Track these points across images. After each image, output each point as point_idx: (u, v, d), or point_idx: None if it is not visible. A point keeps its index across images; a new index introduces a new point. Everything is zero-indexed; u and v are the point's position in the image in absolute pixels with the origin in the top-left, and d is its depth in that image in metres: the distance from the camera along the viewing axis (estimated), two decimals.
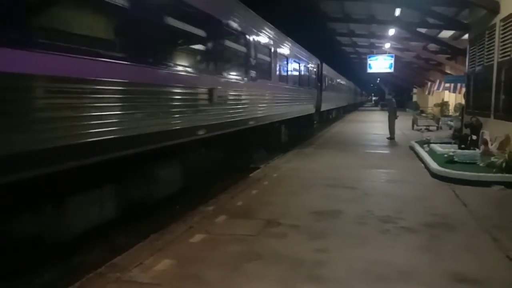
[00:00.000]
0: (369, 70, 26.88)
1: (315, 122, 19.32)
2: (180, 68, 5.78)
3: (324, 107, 20.65)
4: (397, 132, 15.37)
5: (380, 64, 26.01)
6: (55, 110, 3.53)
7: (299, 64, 14.39)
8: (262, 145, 11.21)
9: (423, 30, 18.38)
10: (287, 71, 12.64)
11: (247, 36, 8.68)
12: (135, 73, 4.59)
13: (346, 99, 36.26)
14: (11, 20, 3.13)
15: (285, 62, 12.38)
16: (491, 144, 9.03)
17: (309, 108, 16.76)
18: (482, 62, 11.33)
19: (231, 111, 7.65)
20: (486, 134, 9.62)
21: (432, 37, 19.13)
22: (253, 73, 9.04)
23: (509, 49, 9.13)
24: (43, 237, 4.03)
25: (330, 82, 23.96)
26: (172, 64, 5.54)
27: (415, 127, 19.02)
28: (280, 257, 3.94)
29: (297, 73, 14.23)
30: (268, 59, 10.41)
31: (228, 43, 7.66)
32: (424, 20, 16.80)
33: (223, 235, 4.59)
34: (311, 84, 17.12)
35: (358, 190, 6.82)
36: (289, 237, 4.52)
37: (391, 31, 19.15)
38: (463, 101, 15.41)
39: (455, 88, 21.42)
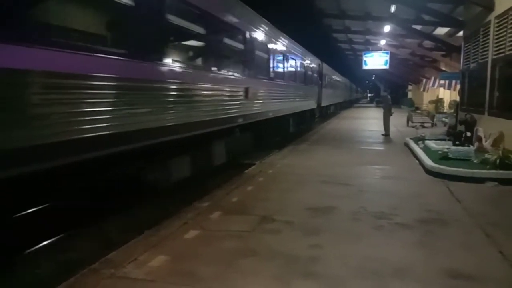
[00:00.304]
0: (364, 67, 26.93)
1: (316, 116, 21.38)
2: (234, 73, 8.28)
3: (324, 103, 22.78)
4: (392, 128, 15.41)
5: (376, 60, 26.05)
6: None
7: (304, 65, 16.74)
8: (276, 133, 13.31)
9: (418, 27, 18.41)
10: (296, 72, 14.93)
11: (271, 47, 11.20)
12: (220, 81, 7.50)
13: (342, 95, 37.48)
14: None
15: (295, 64, 14.74)
16: (485, 141, 9.08)
17: (312, 103, 19.19)
18: (476, 59, 11.37)
19: (258, 105, 9.96)
20: (480, 131, 9.66)
21: (427, 34, 19.19)
22: (272, 74, 11.39)
23: (503, 46, 9.17)
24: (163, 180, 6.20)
25: (329, 80, 25.97)
26: (229, 72, 7.98)
27: (410, 123, 19.08)
28: (275, 253, 3.94)
29: (303, 73, 16.53)
30: (282, 62, 12.73)
31: (259, 53, 10.14)
32: (419, 17, 16.82)
33: (218, 231, 4.58)
34: (313, 82, 19.38)
35: (352, 186, 6.83)
36: (284, 233, 4.52)
37: (387, 28, 19.17)
38: (457, 98, 15.47)
39: (450, 85, 21.51)
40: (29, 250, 4.33)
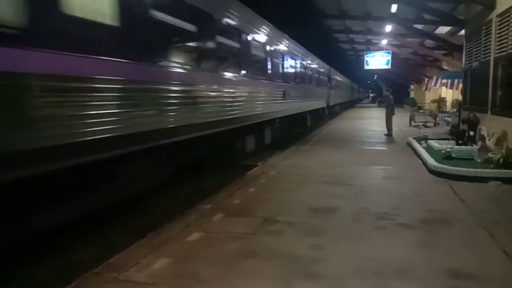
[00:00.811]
0: (366, 67, 26.87)
1: (326, 113, 25.74)
2: (278, 80, 12.29)
3: (331, 102, 27.22)
4: (395, 128, 15.38)
5: (377, 60, 26.00)
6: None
7: (319, 71, 21.48)
8: (299, 125, 17.44)
9: (419, 26, 18.37)
10: (313, 77, 19.52)
11: (298, 60, 15.69)
12: (274, 87, 11.85)
13: (345, 96, 39.42)
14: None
15: (312, 71, 19.34)
16: (489, 140, 9.03)
17: (323, 103, 23.33)
18: (478, 58, 11.33)
19: (290, 103, 13.76)
20: (484, 130, 9.63)
21: (429, 33, 19.14)
22: (297, 80, 15.52)
23: (505, 44, 9.13)
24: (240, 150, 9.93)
25: (335, 82, 29.93)
26: (277, 79, 12.17)
27: (413, 123, 19.03)
28: (277, 254, 3.94)
29: (318, 78, 21.07)
30: (305, 70, 17.33)
31: (292, 64, 14.61)
32: (421, 16, 16.79)
33: (220, 233, 4.59)
34: (324, 84, 23.65)
35: (355, 187, 6.82)
36: (286, 235, 4.52)
37: (388, 28, 19.13)
38: (460, 97, 15.43)
39: (452, 84, 21.44)
40: (30, 253, 4.34)
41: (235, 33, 8.49)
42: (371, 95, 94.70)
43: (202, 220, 5.03)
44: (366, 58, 26.40)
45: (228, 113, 8.00)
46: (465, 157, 8.37)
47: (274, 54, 11.77)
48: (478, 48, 11.32)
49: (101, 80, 4.27)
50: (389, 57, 25.41)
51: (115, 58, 4.48)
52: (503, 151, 7.56)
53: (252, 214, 5.29)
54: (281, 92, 12.42)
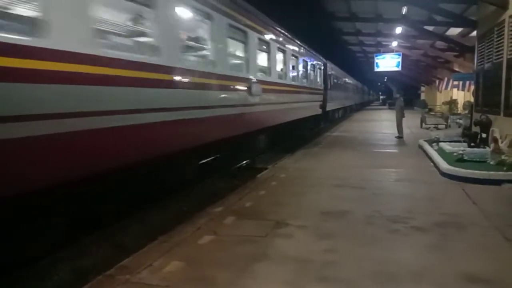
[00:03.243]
0: (376, 69, 26.78)
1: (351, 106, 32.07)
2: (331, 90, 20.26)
3: (347, 104, 31.96)
4: (406, 131, 15.25)
5: (387, 62, 25.88)
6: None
7: (347, 81, 29.09)
8: (317, 123, 19.93)
9: (430, 28, 18.23)
10: (347, 87, 28.06)
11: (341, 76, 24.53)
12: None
13: (353, 98, 38.25)
14: None
15: (347, 84, 26.54)
16: (501, 142, 8.90)
17: (351, 102, 32.63)
18: (491, 59, 11.19)
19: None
20: (496, 132, 9.49)
21: (440, 34, 18.98)
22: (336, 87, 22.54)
23: None
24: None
25: (350, 87, 34.60)
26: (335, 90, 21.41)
27: (424, 125, 18.87)
28: (289, 258, 3.93)
29: (351, 88, 30.94)
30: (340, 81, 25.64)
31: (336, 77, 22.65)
32: (431, 18, 16.67)
33: (231, 236, 4.59)
34: (353, 91, 34.41)
35: (366, 190, 6.77)
36: (298, 238, 4.51)
37: (398, 29, 19.03)
38: (472, 99, 15.25)
39: (463, 85, 21.22)
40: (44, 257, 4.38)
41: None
42: (381, 97, 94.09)
43: (213, 223, 5.04)
44: (376, 60, 26.31)
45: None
46: (478, 160, 8.26)
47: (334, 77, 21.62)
48: (491, 49, 11.19)
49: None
50: (400, 59, 25.27)
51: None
52: None
53: (263, 217, 5.28)
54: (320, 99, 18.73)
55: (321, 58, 19.52)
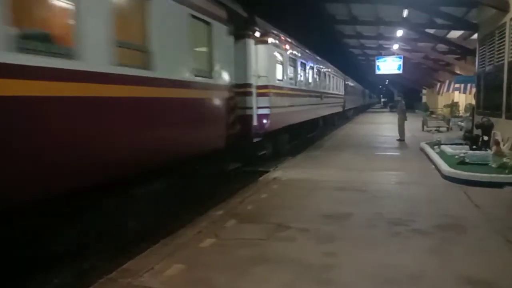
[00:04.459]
0: (377, 72, 26.77)
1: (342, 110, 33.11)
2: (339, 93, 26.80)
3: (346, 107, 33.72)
4: (407, 133, 15.24)
5: (389, 65, 25.89)
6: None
7: (353, 86, 34.26)
8: (333, 122, 24.49)
9: (431, 31, 18.23)
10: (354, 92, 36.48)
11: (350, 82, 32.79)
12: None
13: (356, 101, 42.77)
14: None
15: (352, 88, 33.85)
16: (503, 145, 8.90)
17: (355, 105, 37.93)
18: (492, 62, 11.20)
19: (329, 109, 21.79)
20: (498, 135, 9.49)
21: (441, 37, 18.98)
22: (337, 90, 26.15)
23: None
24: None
25: (351, 90, 36.75)
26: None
27: (425, 128, 18.87)
28: (290, 261, 3.93)
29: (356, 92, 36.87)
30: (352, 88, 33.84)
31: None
32: (432, 21, 16.67)
33: (232, 240, 4.59)
34: (356, 94, 38.20)
35: (368, 192, 6.78)
36: (299, 241, 4.51)
37: (399, 32, 19.04)
38: (473, 102, 15.24)
39: (465, 88, 21.21)
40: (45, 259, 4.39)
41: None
42: (382, 100, 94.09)
43: (214, 226, 5.05)
44: (377, 63, 26.31)
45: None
46: (479, 162, 8.26)
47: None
48: (492, 52, 11.20)
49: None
50: (401, 62, 25.27)
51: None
52: None
53: (264, 220, 5.28)
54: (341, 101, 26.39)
55: (342, 73, 27.84)
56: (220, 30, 7.47)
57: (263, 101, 9.66)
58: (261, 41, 9.75)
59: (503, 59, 10.15)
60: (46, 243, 4.27)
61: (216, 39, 7.27)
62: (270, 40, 10.28)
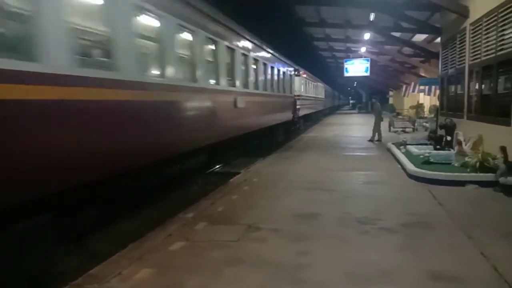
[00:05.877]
0: (346, 74, 27.23)
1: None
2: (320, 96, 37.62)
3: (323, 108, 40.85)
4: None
5: (357, 67, 26.39)
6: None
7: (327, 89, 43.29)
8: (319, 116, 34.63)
9: (397, 34, 18.77)
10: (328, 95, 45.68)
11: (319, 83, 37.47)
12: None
13: (331, 102, 50.40)
14: None
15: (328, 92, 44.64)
16: (465, 145, 9.24)
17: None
18: (454, 65, 11.64)
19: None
20: (460, 135, 9.85)
21: (406, 40, 19.57)
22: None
23: (479, 52, 9.41)
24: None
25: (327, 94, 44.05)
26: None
27: (392, 129, 19.37)
28: (262, 261, 3.93)
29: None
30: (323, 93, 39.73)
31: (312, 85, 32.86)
32: (398, 24, 17.16)
33: (203, 242, 4.55)
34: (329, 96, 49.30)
35: (337, 192, 6.88)
36: (271, 241, 4.52)
37: (367, 36, 19.50)
38: (437, 103, 15.77)
39: (429, 90, 21.92)
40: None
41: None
42: (351, 101, 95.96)
43: (185, 229, 4.99)
44: (345, 66, 26.76)
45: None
46: (443, 162, 8.53)
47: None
48: (454, 55, 11.64)
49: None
50: (368, 64, 25.82)
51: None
52: (479, 155, 7.75)
53: (235, 222, 5.26)
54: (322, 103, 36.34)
55: (323, 83, 36.91)
56: (293, 73, 19.69)
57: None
58: (297, 75, 21.55)
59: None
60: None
61: (292, 78, 19.54)
62: (302, 74, 23.14)
